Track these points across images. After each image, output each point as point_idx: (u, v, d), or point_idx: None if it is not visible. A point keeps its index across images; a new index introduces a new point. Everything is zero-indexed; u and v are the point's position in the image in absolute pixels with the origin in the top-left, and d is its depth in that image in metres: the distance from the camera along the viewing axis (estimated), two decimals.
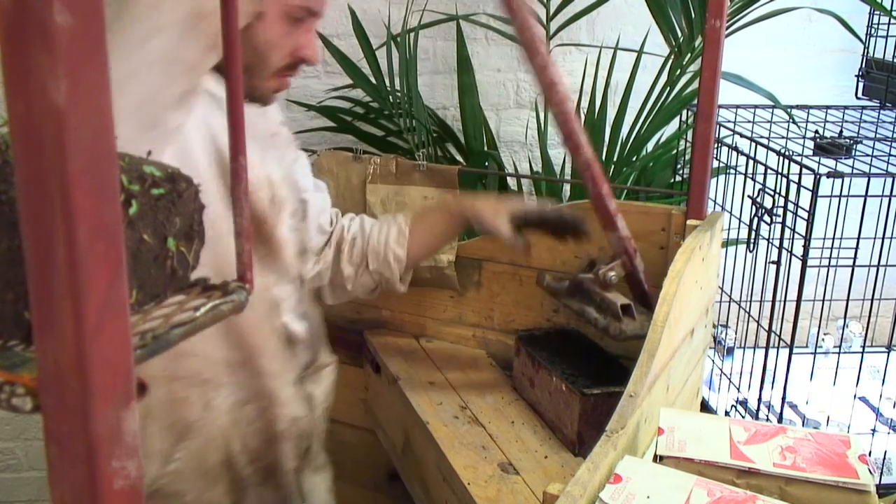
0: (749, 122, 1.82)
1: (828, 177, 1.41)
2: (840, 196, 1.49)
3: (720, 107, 1.83)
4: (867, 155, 1.59)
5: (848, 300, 1.61)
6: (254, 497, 1.24)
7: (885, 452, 1.67)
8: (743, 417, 1.72)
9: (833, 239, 1.55)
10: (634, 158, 1.97)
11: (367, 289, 1.44)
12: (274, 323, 1.21)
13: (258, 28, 1.08)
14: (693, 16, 1.82)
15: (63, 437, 0.35)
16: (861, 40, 2.09)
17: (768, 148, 1.61)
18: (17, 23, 0.30)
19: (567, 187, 2.10)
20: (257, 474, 1.24)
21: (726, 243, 1.75)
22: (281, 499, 1.28)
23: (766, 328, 1.54)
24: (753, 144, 1.65)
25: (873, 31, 2.11)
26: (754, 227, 1.55)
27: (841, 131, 1.82)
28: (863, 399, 1.79)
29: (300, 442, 1.29)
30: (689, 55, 1.88)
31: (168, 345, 0.41)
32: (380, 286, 1.43)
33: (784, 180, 1.50)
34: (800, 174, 1.45)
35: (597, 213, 1.26)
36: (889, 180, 1.52)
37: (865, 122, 1.89)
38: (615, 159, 1.94)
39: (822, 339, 1.91)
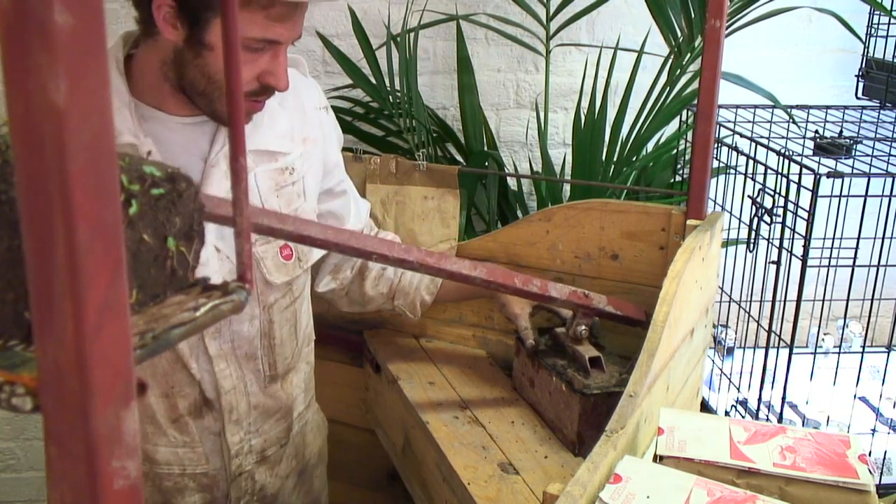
0: (749, 122, 1.82)
1: (828, 177, 1.41)
2: (840, 196, 1.49)
3: (720, 107, 1.83)
4: (867, 155, 1.59)
5: (848, 300, 1.61)
6: None
7: (885, 452, 1.67)
8: (743, 417, 1.72)
9: (833, 239, 1.55)
10: (634, 158, 1.97)
11: (383, 311, 1.50)
12: (160, 379, 1.20)
13: (208, 58, 1.07)
14: (693, 16, 1.82)
15: (63, 437, 0.35)
16: (861, 40, 2.09)
17: (768, 148, 1.61)
18: (17, 23, 0.30)
19: (567, 187, 2.10)
20: None
21: (726, 243, 1.75)
22: None
23: (766, 328, 1.54)
24: (753, 144, 1.65)
25: (873, 31, 2.11)
26: (754, 227, 1.56)
27: (841, 131, 1.82)
28: (863, 399, 1.79)
29: (213, 491, 1.28)
30: (689, 55, 1.88)
31: (168, 345, 0.41)
32: (396, 314, 1.49)
33: (784, 180, 1.50)
34: (800, 174, 1.45)
35: (528, 298, 1.33)
36: (889, 180, 1.52)
37: (865, 122, 1.89)
38: (615, 159, 1.94)
39: (822, 339, 1.91)
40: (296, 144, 1.25)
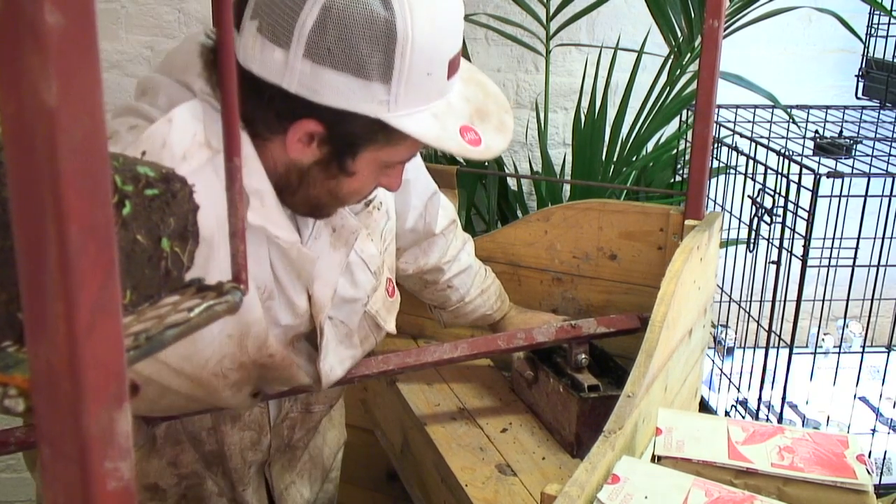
0: (749, 122, 1.82)
1: (828, 177, 1.41)
2: (840, 196, 1.49)
3: (720, 107, 1.83)
4: (867, 155, 1.59)
5: (848, 300, 1.61)
6: (202, 480, 1.23)
7: (885, 452, 1.67)
8: (743, 417, 1.72)
9: (833, 239, 1.55)
10: (634, 158, 1.97)
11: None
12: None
13: (343, 182, 0.99)
14: (693, 16, 1.82)
15: (55, 439, 0.35)
16: (861, 40, 2.09)
17: (768, 148, 1.60)
18: (7, 23, 0.30)
19: (567, 187, 2.10)
20: (204, 459, 1.22)
21: (726, 243, 1.75)
22: (230, 486, 1.25)
23: (766, 328, 1.54)
24: (753, 144, 1.65)
25: (873, 31, 2.11)
26: (754, 227, 1.55)
27: (841, 131, 1.82)
28: (863, 399, 1.79)
29: (252, 435, 1.24)
30: (688, 55, 1.88)
31: (162, 346, 0.41)
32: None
33: (784, 180, 1.50)
34: (800, 174, 1.45)
35: (517, 352, 1.36)
36: (889, 180, 1.52)
37: (865, 122, 1.89)
38: (615, 159, 1.94)
39: (822, 339, 1.91)
40: None
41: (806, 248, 1.44)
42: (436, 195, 1.35)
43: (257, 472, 1.28)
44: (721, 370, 1.81)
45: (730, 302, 1.80)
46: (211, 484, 1.24)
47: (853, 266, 1.49)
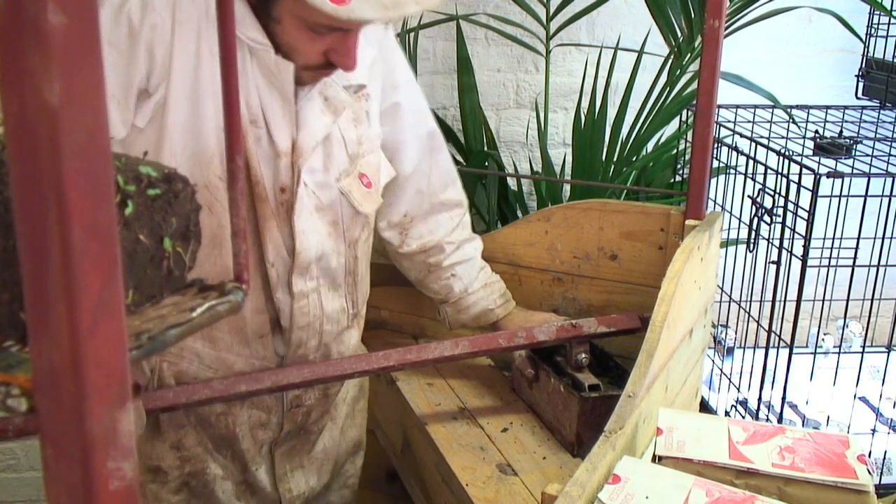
0: (749, 122, 1.82)
1: (828, 177, 1.41)
2: (840, 196, 1.49)
3: (720, 107, 1.83)
4: (867, 155, 1.59)
5: (848, 300, 1.61)
6: (205, 464, 1.25)
7: (885, 452, 1.67)
8: (743, 417, 1.72)
9: (833, 239, 1.55)
10: (634, 158, 1.97)
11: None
12: (257, 293, 1.18)
13: (277, 29, 1.07)
14: (693, 16, 1.82)
15: (58, 438, 0.35)
16: (861, 40, 2.09)
17: (768, 148, 1.60)
18: (10, 23, 0.30)
19: (567, 187, 2.10)
20: (211, 442, 1.24)
21: (726, 243, 1.74)
22: (241, 468, 1.28)
23: (766, 328, 1.54)
24: (753, 144, 1.65)
25: (873, 31, 2.11)
26: (754, 227, 1.55)
27: (841, 131, 1.82)
28: (863, 399, 1.79)
29: (269, 413, 1.27)
30: (689, 55, 1.88)
31: (164, 345, 0.41)
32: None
33: (784, 180, 1.50)
34: (800, 174, 1.45)
35: (517, 350, 1.36)
36: (889, 180, 1.52)
37: (865, 122, 1.88)
38: (615, 159, 1.94)
39: (822, 339, 1.91)
40: (368, 67, 1.23)
41: (806, 248, 1.44)
42: (440, 150, 1.38)
43: (268, 452, 1.31)
44: (721, 370, 1.81)
45: (730, 302, 1.80)
46: (215, 467, 1.26)
47: (853, 266, 1.49)
